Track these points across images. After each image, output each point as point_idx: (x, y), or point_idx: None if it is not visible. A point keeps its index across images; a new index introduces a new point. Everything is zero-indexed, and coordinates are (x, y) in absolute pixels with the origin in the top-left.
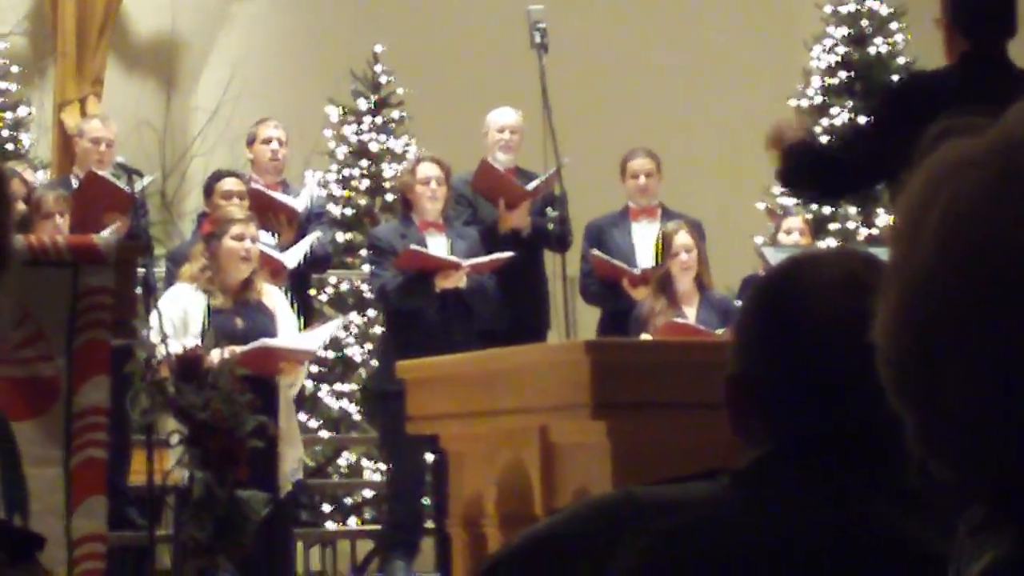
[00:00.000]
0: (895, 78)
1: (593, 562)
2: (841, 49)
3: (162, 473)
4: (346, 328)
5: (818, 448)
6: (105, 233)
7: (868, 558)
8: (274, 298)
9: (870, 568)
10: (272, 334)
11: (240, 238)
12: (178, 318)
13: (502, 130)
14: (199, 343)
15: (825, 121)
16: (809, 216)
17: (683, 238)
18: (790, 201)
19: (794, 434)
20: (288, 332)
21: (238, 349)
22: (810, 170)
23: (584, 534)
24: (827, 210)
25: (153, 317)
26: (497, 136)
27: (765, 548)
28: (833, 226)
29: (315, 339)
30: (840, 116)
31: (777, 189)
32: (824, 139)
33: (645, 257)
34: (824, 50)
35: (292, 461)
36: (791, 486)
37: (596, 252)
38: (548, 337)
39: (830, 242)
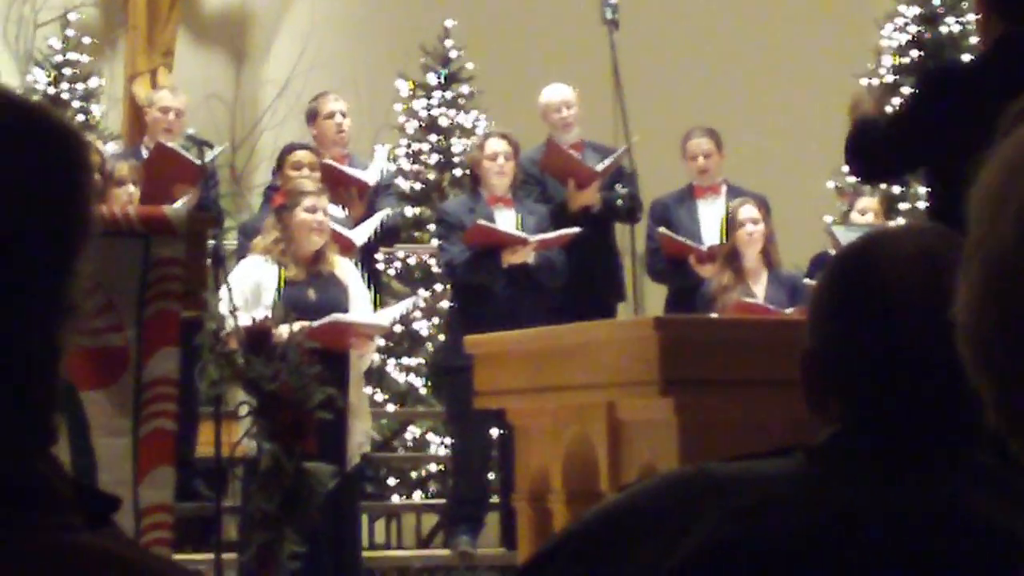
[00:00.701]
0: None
1: (665, 538)
2: (913, 28)
3: (230, 445)
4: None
5: (894, 424)
6: (176, 204)
7: (945, 535)
8: (347, 271)
9: (947, 545)
10: (344, 307)
11: (312, 210)
12: (250, 289)
13: (558, 109)
14: (269, 315)
15: (896, 100)
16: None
17: (749, 211)
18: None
19: (869, 410)
20: (361, 305)
21: (309, 324)
22: (860, 147)
23: (657, 510)
24: (897, 189)
25: (223, 289)
26: (555, 116)
27: (841, 525)
28: (903, 206)
29: (387, 316)
30: None
31: (847, 168)
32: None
33: (710, 234)
34: (895, 29)
35: (360, 434)
36: (866, 463)
37: (663, 230)
38: (618, 311)
39: (901, 222)
